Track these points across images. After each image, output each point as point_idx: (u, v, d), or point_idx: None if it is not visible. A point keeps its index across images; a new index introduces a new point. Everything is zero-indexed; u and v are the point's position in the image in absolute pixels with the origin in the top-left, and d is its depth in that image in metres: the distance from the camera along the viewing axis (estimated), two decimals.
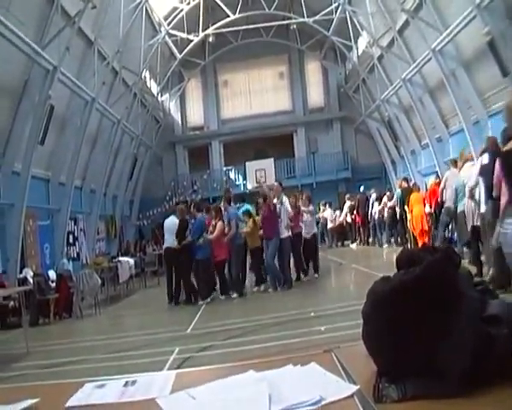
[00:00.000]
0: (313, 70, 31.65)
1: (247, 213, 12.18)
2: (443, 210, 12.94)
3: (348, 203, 22.77)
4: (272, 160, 28.78)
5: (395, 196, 18.04)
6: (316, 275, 13.23)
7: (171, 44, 25.74)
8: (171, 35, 24.32)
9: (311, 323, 7.92)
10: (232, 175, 30.28)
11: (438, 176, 17.34)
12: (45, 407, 1.30)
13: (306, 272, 13.21)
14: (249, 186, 27.43)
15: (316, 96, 31.79)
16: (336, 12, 23.27)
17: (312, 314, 8.57)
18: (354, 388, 1.18)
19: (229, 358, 6.25)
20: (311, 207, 13.56)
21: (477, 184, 8.11)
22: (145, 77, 25.41)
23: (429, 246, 1.35)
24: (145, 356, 7.18)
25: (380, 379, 1.15)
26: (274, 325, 8.31)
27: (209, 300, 11.61)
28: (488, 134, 16.14)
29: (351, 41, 24.69)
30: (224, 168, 30.61)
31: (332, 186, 27.98)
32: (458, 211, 10.51)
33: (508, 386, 1.06)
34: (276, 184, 13.21)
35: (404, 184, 17.25)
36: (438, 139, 21.27)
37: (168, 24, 23.98)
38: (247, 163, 28.71)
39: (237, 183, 29.57)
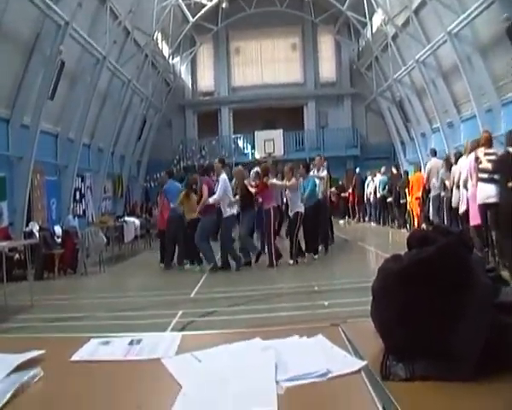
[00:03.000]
0: (326, 44, 31.40)
1: (186, 186, 12.16)
2: (431, 197, 14.28)
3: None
4: (281, 131, 28.71)
5: (379, 181, 20.34)
6: (315, 256, 12.18)
7: (185, 7, 25.53)
8: None
9: (315, 297, 7.99)
10: (241, 143, 30.19)
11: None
12: (50, 359, 1.31)
13: (298, 255, 11.78)
14: (257, 156, 27.39)
15: (327, 70, 31.58)
16: None
17: (316, 288, 8.64)
18: (361, 363, 1.18)
19: (232, 325, 6.35)
20: (292, 182, 11.70)
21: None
22: (157, 38, 25.22)
23: (443, 227, 1.33)
24: (148, 317, 7.26)
25: (388, 357, 1.15)
26: (278, 295, 8.38)
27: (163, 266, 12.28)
28: (500, 123, 16.27)
29: (365, 17, 24.49)
30: (233, 136, 30.50)
31: (340, 162, 27.66)
32: (441, 194, 12.90)
33: None
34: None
35: (394, 171, 19.60)
36: (449, 124, 21.11)
37: None
38: (256, 132, 28.65)
39: (245, 151, 29.54)
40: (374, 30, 26.07)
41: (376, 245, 14.36)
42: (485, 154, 8.74)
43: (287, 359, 1.22)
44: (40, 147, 15.49)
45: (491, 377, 1.05)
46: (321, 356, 1.23)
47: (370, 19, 24.96)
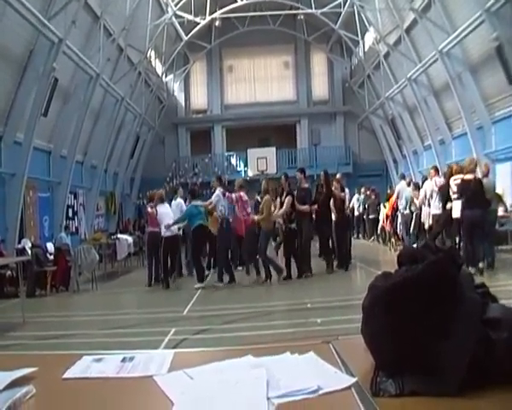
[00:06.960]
0: (319, 62, 31.57)
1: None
2: (400, 215, 15.69)
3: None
4: (274, 149, 28.77)
5: (356, 200, 21.72)
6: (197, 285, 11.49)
7: (178, 26, 25.58)
8: (177, 16, 24.16)
9: (308, 314, 7.97)
10: (233, 161, 30.23)
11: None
12: (43, 376, 1.30)
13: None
14: (250, 173, 27.43)
15: (320, 88, 31.74)
16: (344, 5, 23.13)
17: (309, 306, 8.63)
18: (352, 380, 1.18)
19: (225, 342, 6.32)
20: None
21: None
22: (150, 56, 25.31)
23: (432, 245, 1.35)
24: (141, 335, 7.24)
25: (377, 373, 1.16)
26: (270, 313, 8.36)
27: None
28: (491, 140, 16.46)
29: (358, 36, 24.65)
30: (226, 154, 30.54)
31: None
32: (405, 213, 14.97)
33: (506, 390, 1.07)
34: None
35: (367, 192, 21.13)
36: (440, 141, 21.28)
37: (175, 5, 23.86)
38: (248, 150, 28.68)
39: (238, 169, 29.55)
40: (366, 48, 26.31)
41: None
42: (454, 180, 11.05)
43: (278, 376, 1.22)
44: (33, 164, 15.48)
45: (478, 392, 1.06)
46: (312, 373, 1.24)
47: (362, 37, 25.18)
